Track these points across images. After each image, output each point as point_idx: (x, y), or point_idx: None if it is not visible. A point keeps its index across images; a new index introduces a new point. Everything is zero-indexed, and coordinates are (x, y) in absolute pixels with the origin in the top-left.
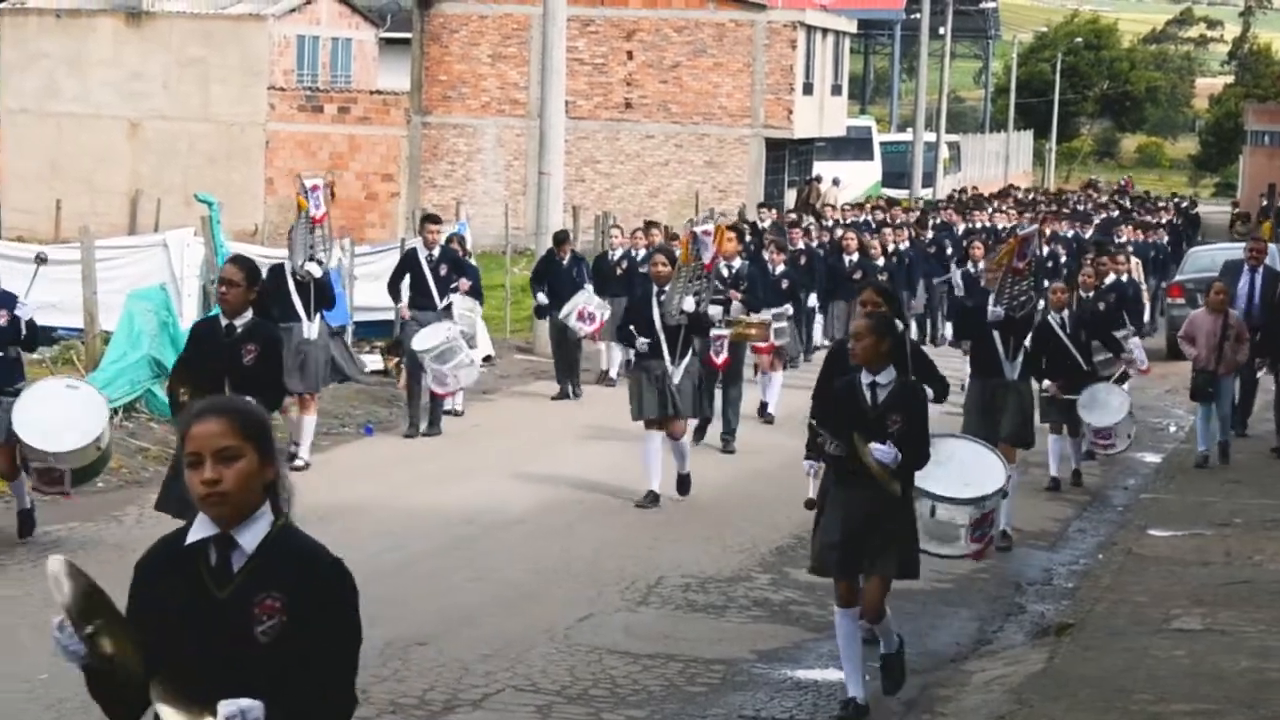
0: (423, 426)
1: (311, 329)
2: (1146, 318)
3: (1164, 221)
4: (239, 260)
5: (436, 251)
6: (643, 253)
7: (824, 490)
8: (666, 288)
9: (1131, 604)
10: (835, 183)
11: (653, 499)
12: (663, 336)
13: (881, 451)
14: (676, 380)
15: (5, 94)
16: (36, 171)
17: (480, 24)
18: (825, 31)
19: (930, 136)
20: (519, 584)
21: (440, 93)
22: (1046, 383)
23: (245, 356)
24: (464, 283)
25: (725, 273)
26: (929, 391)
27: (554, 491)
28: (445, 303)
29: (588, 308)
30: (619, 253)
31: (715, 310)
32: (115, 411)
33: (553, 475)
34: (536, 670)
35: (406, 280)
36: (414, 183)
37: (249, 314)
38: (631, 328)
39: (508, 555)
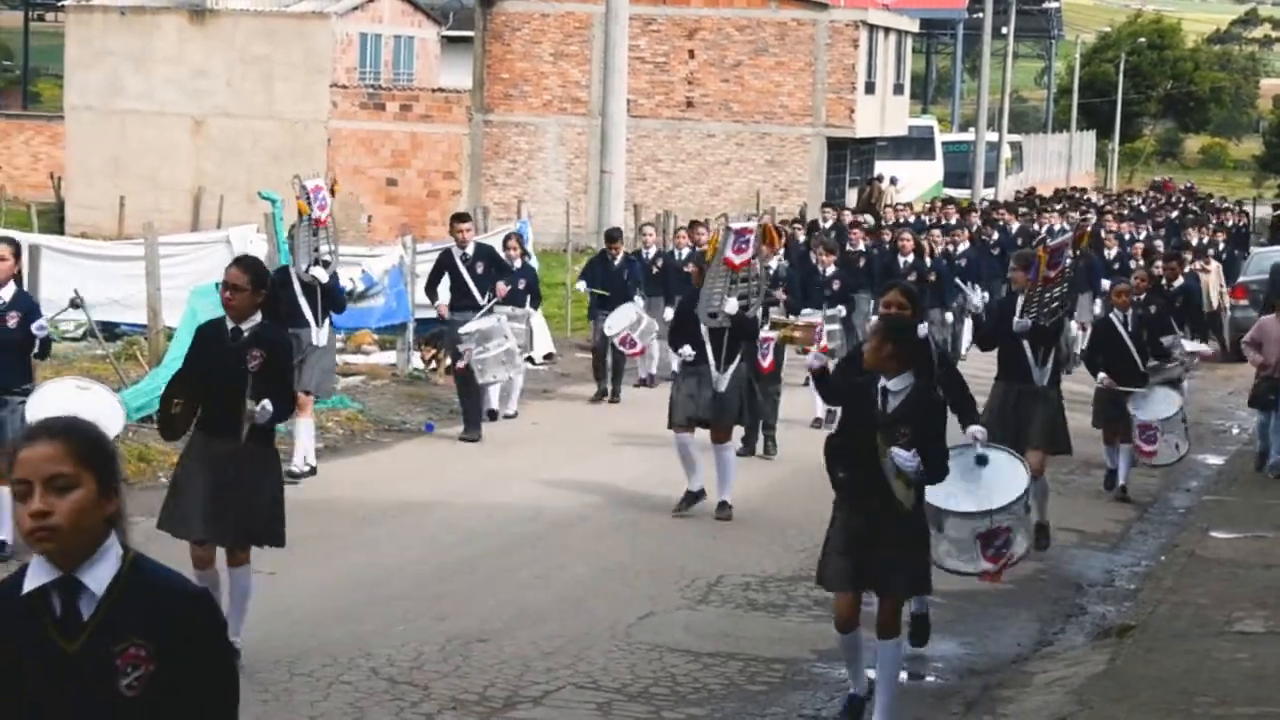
0: (463, 430)
1: (320, 335)
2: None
3: (1227, 224)
4: (244, 262)
5: (470, 250)
6: (685, 252)
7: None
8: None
9: (1193, 606)
10: (893, 182)
11: (691, 499)
12: (708, 342)
13: (904, 458)
14: (723, 388)
15: (70, 91)
16: (100, 168)
17: (542, 22)
18: (887, 31)
19: (992, 136)
20: (581, 582)
21: (502, 91)
22: (1101, 375)
23: (251, 362)
24: (501, 287)
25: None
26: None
27: (615, 490)
28: (488, 301)
29: (632, 334)
30: (652, 251)
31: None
32: None
33: (614, 474)
34: (597, 668)
35: (445, 283)
36: (475, 181)
37: (256, 318)
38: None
39: (570, 553)
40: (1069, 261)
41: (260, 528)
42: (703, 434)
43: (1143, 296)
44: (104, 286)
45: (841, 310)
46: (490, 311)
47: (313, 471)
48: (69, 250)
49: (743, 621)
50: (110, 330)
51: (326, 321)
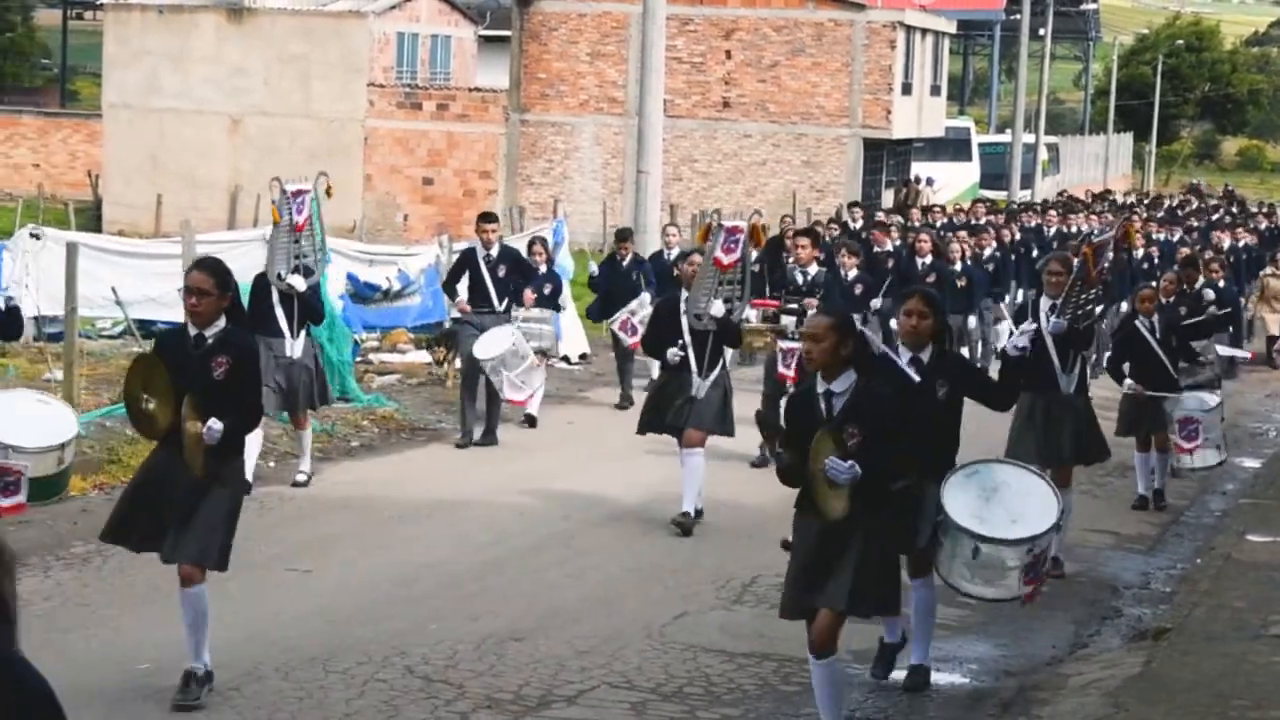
0: (477, 435)
1: (295, 346)
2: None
3: (1260, 227)
4: (207, 264)
5: (495, 251)
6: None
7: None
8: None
9: (1230, 609)
10: (929, 183)
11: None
12: (690, 345)
13: (837, 469)
14: (702, 394)
15: (108, 89)
16: (138, 166)
17: (579, 22)
18: (924, 32)
19: (1029, 138)
20: (614, 581)
21: (539, 90)
22: (1128, 382)
23: (215, 370)
24: (529, 295)
25: (800, 279)
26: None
27: (649, 490)
28: (505, 306)
29: (632, 319)
30: (675, 252)
31: (788, 321)
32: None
33: (645, 474)
34: (632, 667)
35: (465, 282)
36: (511, 180)
37: (220, 323)
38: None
39: (603, 553)
40: (1109, 262)
41: (205, 549)
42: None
43: (1171, 300)
44: (141, 284)
45: (866, 313)
46: (508, 312)
47: (307, 482)
48: (106, 248)
49: (777, 622)
50: (147, 328)
51: (303, 333)
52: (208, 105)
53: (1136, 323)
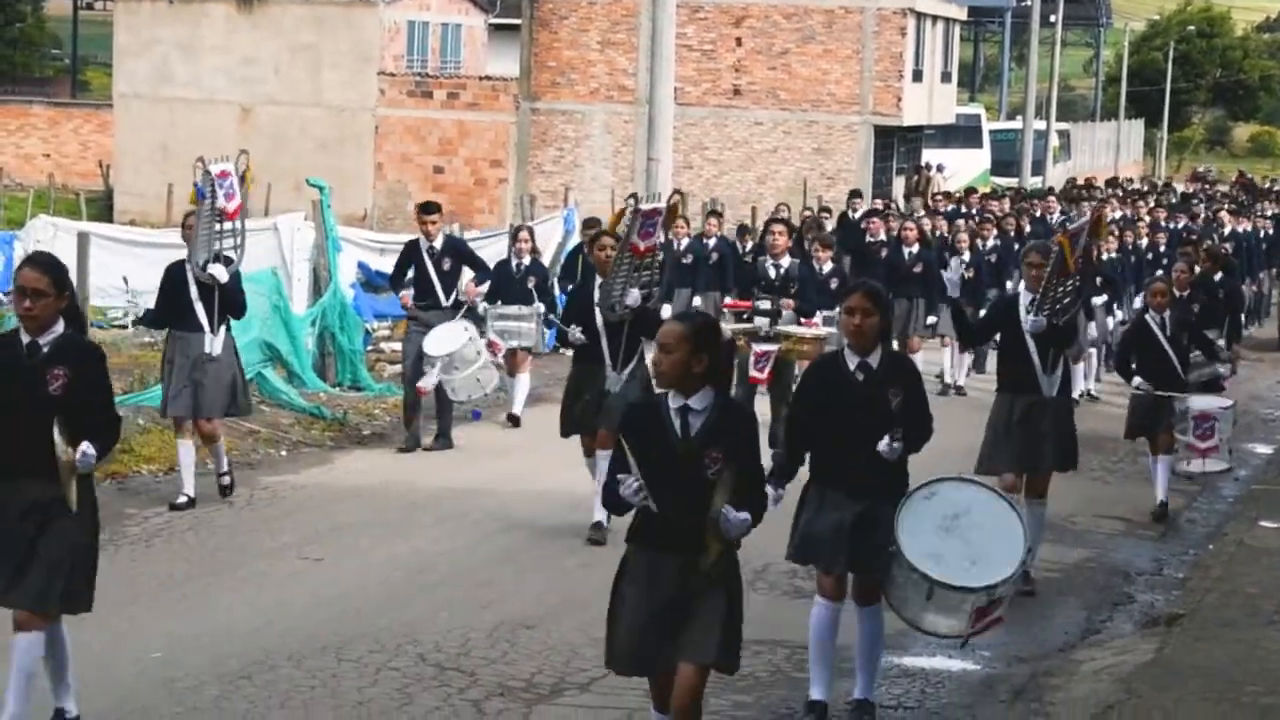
0: (425, 441)
1: (215, 343)
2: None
3: (1270, 213)
4: (41, 261)
5: (438, 244)
6: (683, 243)
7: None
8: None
9: (1243, 595)
10: (940, 169)
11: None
12: (604, 337)
13: (733, 521)
14: (617, 389)
15: (119, 79)
16: (148, 155)
17: (589, 10)
18: (935, 19)
19: (1040, 125)
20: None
21: (549, 79)
22: (1138, 380)
23: (51, 385)
24: (470, 288)
25: (772, 273)
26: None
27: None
28: (452, 300)
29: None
30: (684, 243)
31: (762, 321)
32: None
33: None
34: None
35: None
36: (522, 168)
37: (58, 328)
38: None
39: (615, 541)
40: (1083, 253)
41: (45, 591)
42: None
43: (1186, 294)
44: (152, 274)
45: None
46: (456, 308)
47: (230, 486)
48: (118, 238)
49: (789, 609)
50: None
51: (223, 328)
52: (218, 94)
53: (1146, 318)
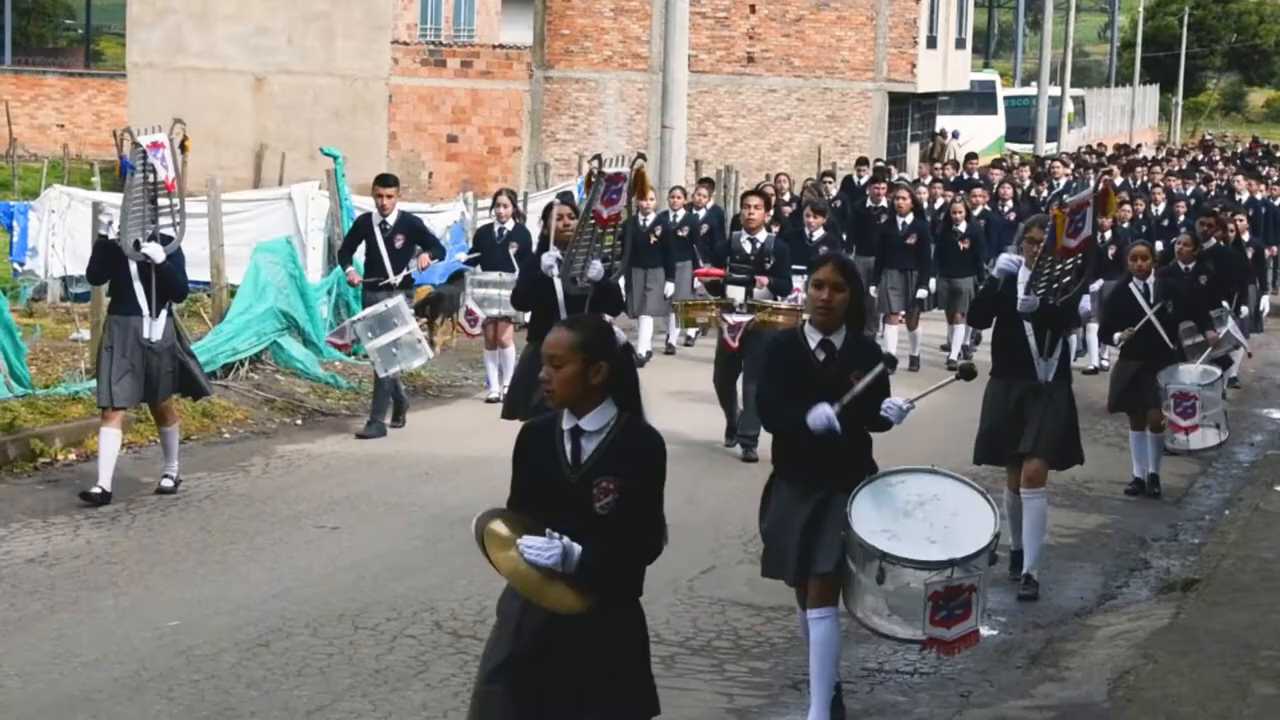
0: (386, 419)
1: (155, 327)
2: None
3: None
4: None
5: (391, 219)
6: (680, 215)
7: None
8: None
9: (1258, 560)
10: (955, 135)
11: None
12: (563, 311)
13: (534, 550)
14: None
15: (132, 49)
16: (162, 126)
17: None
18: None
19: (1055, 91)
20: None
21: (562, 47)
22: (1118, 335)
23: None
24: (423, 258)
25: (747, 248)
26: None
27: (673, 446)
28: (404, 273)
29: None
30: (651, 218)
31: (735, 292)
32: (241, 363)
33: (673, 431)
34: (660, 622)
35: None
36: (536, 137)
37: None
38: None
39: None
40: (1089, 228)
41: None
42: None
43: (1193, 265)
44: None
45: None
46: (407, 285)
47: (174, 488)
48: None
49: None
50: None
51: (164, 313)
52: (231, 64)
53: (1130, 285)
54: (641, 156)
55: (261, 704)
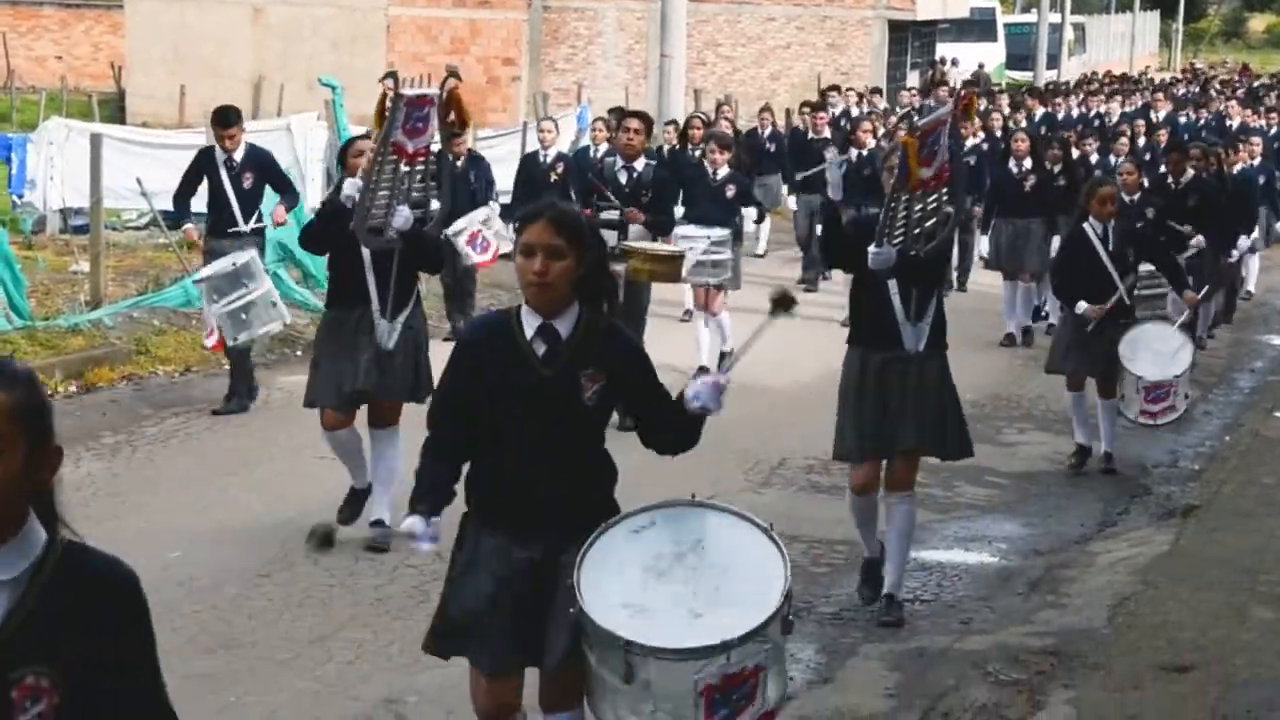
0: (217, 406)
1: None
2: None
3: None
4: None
5: (239, 155)
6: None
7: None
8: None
9: (1259, 486)
10: (954, 64)
11: (358, 499)
12: (369, 273)
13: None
14: (391, 344)
15: None
16: (160, 57)
17: None
18: None
19: (1055, 18)
20: (643, 466)
21: None
22: (1083, 305)
23: None
24: (279, 212)
25: (623, 178)
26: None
27: (674, 376)
28: (253, 225)
29: (484, 231)
30: (553, 152)
31: (610, 235)
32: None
33: (672, 359)
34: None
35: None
36: (535, 67)
37: None
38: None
39: (630, 439)
40: (946, 152)
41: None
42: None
43: (1136, 198)
44: (166, 176)
45: (727, 232)
46: (259, 234)
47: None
48: (130, 139)
49: (806, 504)
50: (173, 219)
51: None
52: None
53: (1085, 227)
54: (454, 74)
55: (263, 634)
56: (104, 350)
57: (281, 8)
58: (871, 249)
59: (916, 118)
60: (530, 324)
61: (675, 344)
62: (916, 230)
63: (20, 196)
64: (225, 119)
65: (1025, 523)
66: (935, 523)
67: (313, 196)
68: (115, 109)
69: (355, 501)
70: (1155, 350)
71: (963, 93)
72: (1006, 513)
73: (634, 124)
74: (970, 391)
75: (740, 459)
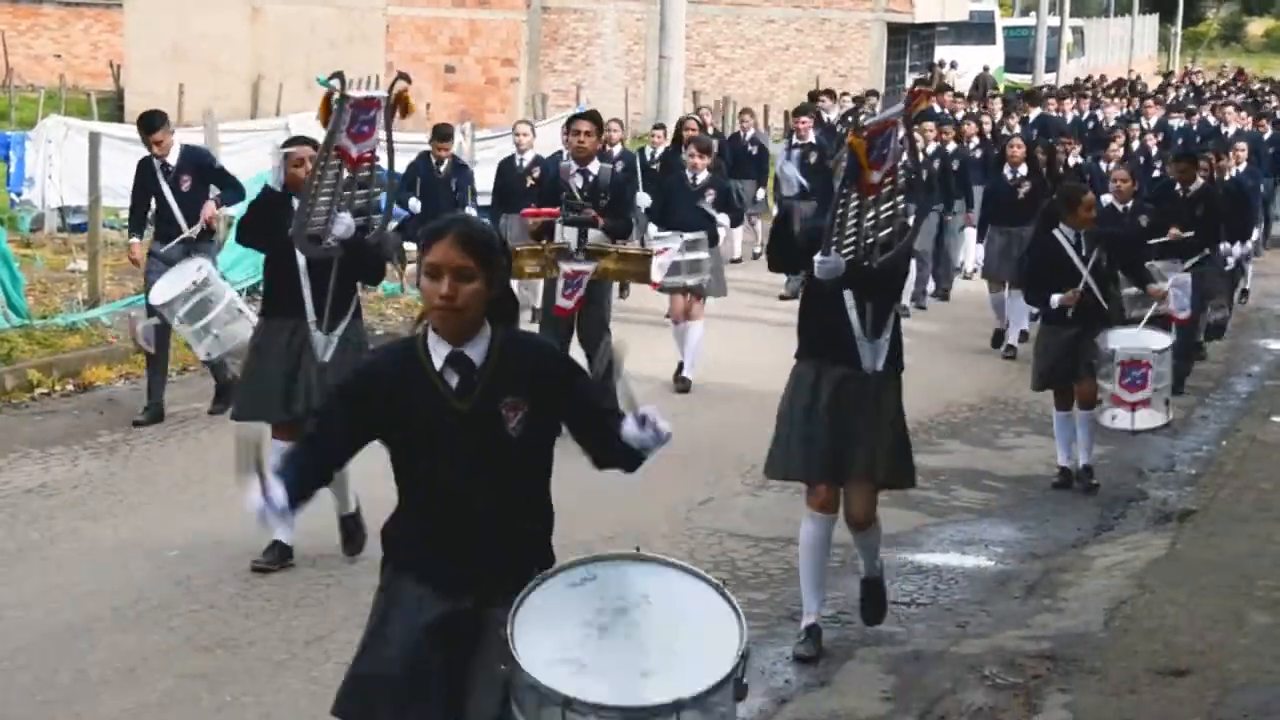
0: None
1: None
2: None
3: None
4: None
5: (173, 159)
6: (659, 150)
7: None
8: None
9: (1255, 490)
10: (953, 66)
11: (284, 554)
12: (305, 282)
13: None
14: (326, 356)
15: None
16: (159, 56)
17: None
18: None
19: (1054, 21)
20: (642, 467)
21: None
22: (1056, 297)
23: None
24: (209, 209)
25: (579, 182)
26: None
27: (655, 387)
28: (198, 229)
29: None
30: (529, 156)
31: (570, 235)
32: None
33: (656, 370)
34: (657, 553)
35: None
36: (534, 68)
37: None
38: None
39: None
40: (900, 154)
41: None
42: None
43: (1129, 205)
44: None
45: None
46: (207, 237)
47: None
48: (129, 138)
49: (802, 507)
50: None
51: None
52: None
53: (1056, 231)
54: (403, 77)
55: (260, 634)
56: (102, 349)
57: (280, 7)
58: (818, 257)
59: (863, 117)
60: (439, 353)
61: (661, 353)
62: (869, 240)
63: (18, 194)
64: (150, 124)
65: (1022, 527)
66: (931, 526)
67: None
68: (114, 107)
69: (348, 528)
70: (1133, 335)
71: (914, 90)
72: (1003, 516)
73: (584, 125)
74: (968, 395)
75: (737, 463)
